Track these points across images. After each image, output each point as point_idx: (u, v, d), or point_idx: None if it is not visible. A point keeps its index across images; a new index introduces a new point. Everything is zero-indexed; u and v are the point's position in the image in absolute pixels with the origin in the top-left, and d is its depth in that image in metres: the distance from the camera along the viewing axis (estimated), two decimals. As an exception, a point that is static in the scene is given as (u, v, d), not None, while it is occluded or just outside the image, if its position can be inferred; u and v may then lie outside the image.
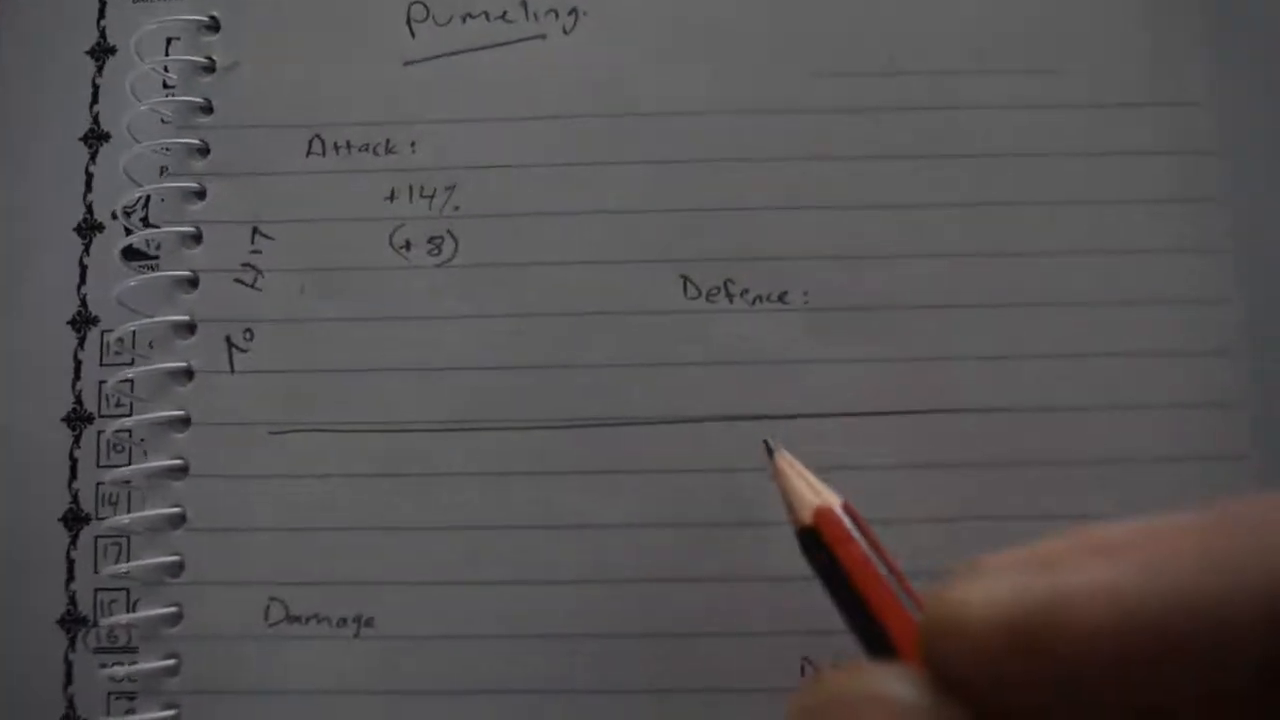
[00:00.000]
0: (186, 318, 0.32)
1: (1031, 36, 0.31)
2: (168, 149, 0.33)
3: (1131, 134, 0.31)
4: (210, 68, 0.33)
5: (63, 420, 0.34)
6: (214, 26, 0.33)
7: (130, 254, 0.34)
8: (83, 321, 0.35)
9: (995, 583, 0.16)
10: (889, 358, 0.30)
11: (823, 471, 0.29)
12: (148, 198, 0.33)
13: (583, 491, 0.30)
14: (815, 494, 0.21)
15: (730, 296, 0.31)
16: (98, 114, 0.36)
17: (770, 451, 0.24)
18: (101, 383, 0.34)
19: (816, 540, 0.21)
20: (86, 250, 0.35)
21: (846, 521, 0.20)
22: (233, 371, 0.31)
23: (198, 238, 0.32)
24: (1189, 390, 0.30)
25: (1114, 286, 0.30)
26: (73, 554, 0.33)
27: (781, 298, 0.31)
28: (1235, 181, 0.31)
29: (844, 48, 0.31)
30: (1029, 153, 0.31)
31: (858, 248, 0.31)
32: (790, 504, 0.22)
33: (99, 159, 0.36)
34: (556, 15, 0.32)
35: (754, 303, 0.31)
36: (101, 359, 0.34)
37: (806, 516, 0.21)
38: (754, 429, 0.30)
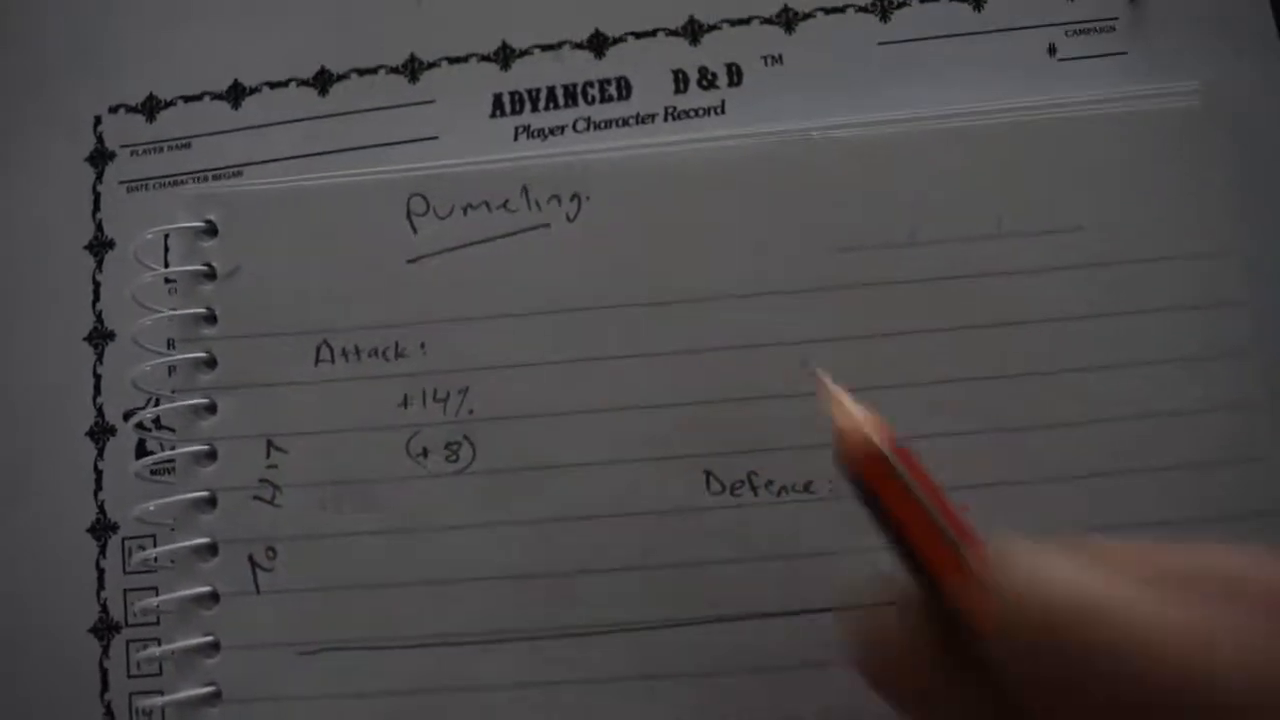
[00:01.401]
0: (207, 539, 0.31)
1: (1053, 197, 0.30)
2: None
3: (1166, 289, 0.30)
4: (210, 274, 0.32)
5: (90, 631, 0.34)
6: (211, 230, 0.32)
7: (144, 453, 0.34)
8: (102, 529, 0.34)
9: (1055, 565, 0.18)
10: (923, 544, 0.29)
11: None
12: (158, 401, 0.33)
13: (623, 699, 0.30)
14: (860, 427, 0.20)
15: (755, 489, 0.30)
16: (101, 312, 0.35)
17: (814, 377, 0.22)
18: (126, 591, 0.34)
19: (864, 482, 0.20)
20: (100, 455, 0.35)
21: (894, 461, 0.20)
22: (258, 592, 0.31)
23: (211, 454, 0.32)
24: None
25: (1158, 454, 0.29)
26: (112, 773, 0.33)
27: (807, 487, 0.30)
28: (1265, 333, 0.30)
29: (864, 223, 0.31)
30: (1061, 317, 0.30)
31: (883, 431, 0.30)
32: (838, 442, 0.20)
33: (105, 359, 0.35)
34: (559, 201, 0.31)
35: (779, 494, 0.30)
36: (124, 567, 0.34)
37: (856, 464, 0.20)
38: (791, 625, 0.29)
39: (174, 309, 0.32)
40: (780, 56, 0.34)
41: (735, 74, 0.34)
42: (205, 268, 0.32)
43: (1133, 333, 0.30)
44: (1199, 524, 0.29)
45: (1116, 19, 0.33)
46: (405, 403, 0.31)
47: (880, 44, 0.34)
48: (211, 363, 0.32)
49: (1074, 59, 0.33)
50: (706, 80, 0.34)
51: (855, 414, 0.20)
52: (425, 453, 0.31)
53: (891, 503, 0.19)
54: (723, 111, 0.34)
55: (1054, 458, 0.30)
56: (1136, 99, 0.31)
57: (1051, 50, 0.33)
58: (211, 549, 0.31)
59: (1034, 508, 0.29)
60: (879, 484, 0.20)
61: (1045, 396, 0.30)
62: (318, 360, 0.31)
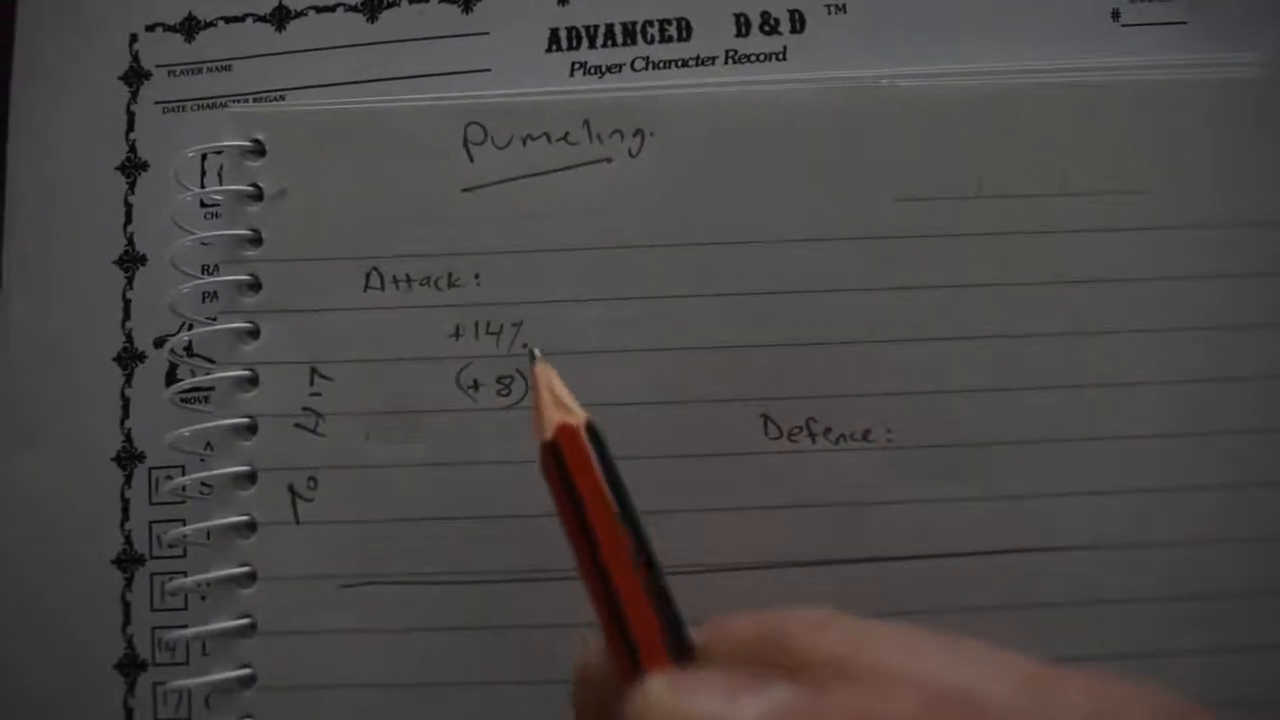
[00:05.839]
0: (246, 467, 0.30)
1: (1120, 159, 0.30)
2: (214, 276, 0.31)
3: (1228, 256, 0.30)
4: (257, 195, 0.31)
5: (112, 563, 0.33)
6: (259, 150, 0.31)
7: (174, 381, 0.32)
8: (129, 458, 0.33)
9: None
10: (980, 496, 0.29)
11: (914, 616, 0.28)
12: (191, 326, 0.32)
13: (668, 642, 0.29)
14: (563, 410, 0.20)
15: (813, 436, 0.30)
16: (132, 235, 0.34)
17: (532, 357, 0.22)
18: (151, 523, 0.33)
19: (557, 459, 0.20)
20: (128, 381, 0.34)
21: (589, 447, 0.20)
22: (298, 522, 0.30)
23: (253, 380, 0.31)
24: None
25: (1217, 417, 0.30)
26: (130, 702, 0.32)
27: (865, 436, 0.30)
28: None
29: (927, 174, 0.30)
30: (1123, 278, 0.30)
31: (944, 381, 0.30)
32: (536, 417, 0.21)
33: (136, 284, 0.34)
34: (622, 136, 0.31)
35: (837, 442, 0.30)
36: (150, 497, 0.33)
37: (549, 431, 0.20)
38: (839, 574, 0.29)
39: (214, 231, 0.31)
40: (844, 5, 0.33)
41: (798, 21, 0.33)
42: (251, 188, 0.31)
43: (1195, 297, 0.30)
44: (1261, 488, 0.29)
45: (1179, -12, 0.33)
46: (457, 333, 0.30)
47: (944, -1, 0.33)
48: (256, 286, 0.31)
49: (1137, 25, 0.33)
50: (769, 25, 0.33)
51: (562, 400, 0.20)
52: (476, 385, 0.30)
53: (583, 494, 0.19)
54: (784, 58, 0.33)
55: (1110, 419, 0.30)
56: (1198, 67, 0.31)
57: (1115, 15, 0.33)
58: (250, 477, 0.30)
59: (1087, 468, 0.29)
60: (575, 474, 0.20)
61: (1104, 356, 0.30)
62: (367, 286, 0.31)
